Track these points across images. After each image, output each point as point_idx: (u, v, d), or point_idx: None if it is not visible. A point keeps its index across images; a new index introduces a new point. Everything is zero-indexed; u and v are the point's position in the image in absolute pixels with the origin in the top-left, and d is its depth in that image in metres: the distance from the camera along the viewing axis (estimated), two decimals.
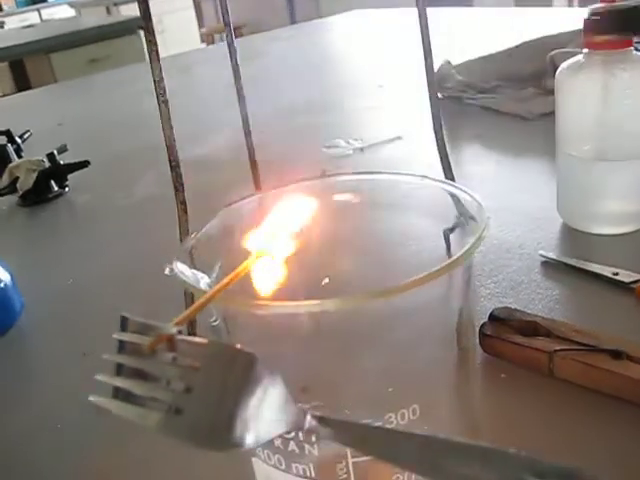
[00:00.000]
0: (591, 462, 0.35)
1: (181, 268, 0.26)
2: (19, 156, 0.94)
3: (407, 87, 1.04)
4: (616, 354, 0.38)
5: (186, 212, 0.46)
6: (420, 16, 0.48)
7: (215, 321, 0.28)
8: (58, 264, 0.68)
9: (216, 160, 0.88)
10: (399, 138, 0.84)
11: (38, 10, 5.34)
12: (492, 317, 0.43)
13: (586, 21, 0.51)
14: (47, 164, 0.83)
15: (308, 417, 0.21)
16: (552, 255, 0.52)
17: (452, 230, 0.29)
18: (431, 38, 0.49)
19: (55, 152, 0.84)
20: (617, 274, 0.48)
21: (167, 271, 0.27)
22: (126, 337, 0.23)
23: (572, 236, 0.55)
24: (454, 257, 0.23)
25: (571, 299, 0.48)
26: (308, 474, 0.26)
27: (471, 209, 0.29)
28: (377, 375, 0.30)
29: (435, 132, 0.46)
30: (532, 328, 0.42)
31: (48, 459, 0.41)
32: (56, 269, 0.67)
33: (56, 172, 0.83)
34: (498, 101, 0.89)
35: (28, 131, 1.04)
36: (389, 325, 0.27)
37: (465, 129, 0.86)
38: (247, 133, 0.63)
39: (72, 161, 0.85)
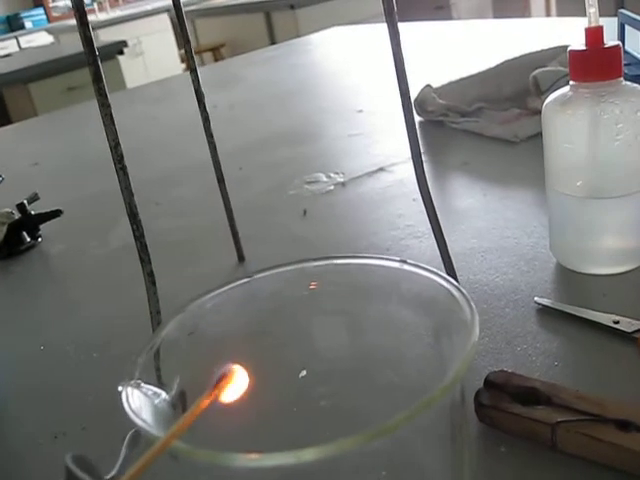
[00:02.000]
0: None
1: (132, 398, 0.23)
2: None
3: (387, 112, 1.02)
4: (623, 424, 0.35)
5: (154, 284, 0.43)
6: (394, 54, 0.45)
7: None
8: (30, 326, 0.64)
9: (193, 202, 0.85)
10: (381, 170, 0.81)
11: (16, 38, 5.30)
12: (488, 383, 0.40)
13: (572, 52, 0.49)
14: (17, 215, 0.80)
15: None
16: (548, 302, 0.49)
17: (437, 321, 0.26)
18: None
19: (25, 202, 0.80)
20: (618, 322, 0.45)
21: (120, 388, 0.24)
22: None
23: (568, 278, 0.52)
24: (445, 383, 0.20)
25: (571, 354, 0.45)
26: None
27: (457, 298, 0.26)
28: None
29: (426, 208, 0.44)
30: (531, 394, 0.39)
31: None
32: (27, 333, 0.63)
33: (27, 223, 0.80)
34: (482, 125, 0.86)
35: (0, 176, 1.01)
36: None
37: (449, 156, 0.83)
38: (220, 180, 0.61)
39: (44, 210, 0.82)
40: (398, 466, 0.25)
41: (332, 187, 0.79)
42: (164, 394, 0.25)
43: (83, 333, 0.60)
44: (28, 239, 0.80)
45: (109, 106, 0.39)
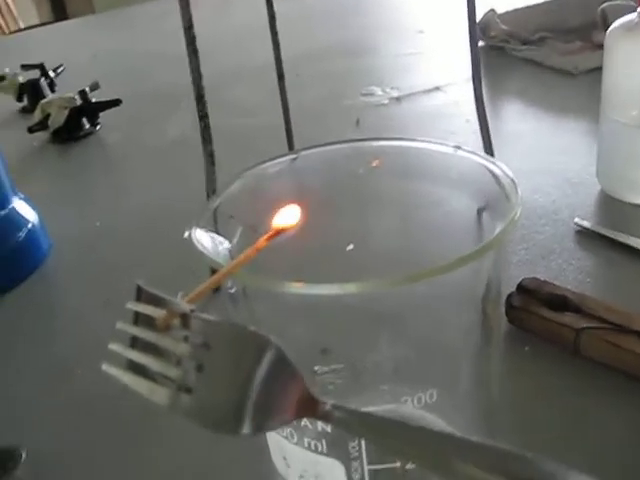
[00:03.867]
0: (611, 445, 0.34)
1: (199, 236, 0.25)
2: (52, 90, 0.94)
3: (448, 34, 1.01)
4: None
5: (213, 164, 0.45)
6: None
7: (232, 288, 0.27)
8: (86, 204, 0.68)
9: (250, 103, 0.87)
10: (437, 89, 0.81)
11: None
12: (520, 288, 0.42)
13: None
14: (79, 101, 0.82)
15: (322, 405, 0.20)
16: (587, 224, 0.50)
17: (484, 207, 0.28)
18: None
19: (87, 89, 0.83)
20: None
21: (186, 235, 0.27)
22: (140, 308, 0.22)
23: (609, 204, 0.53)
24: (484, 243, 0.22)
25: (604, 273, 0.46)
26: (320, 449, 0.26)
27: (505, 185, 0.27)
28: (398, 344, 0.29)
29: (477, 108, 0.44)
30: (561, 302, 0.40)
31: (65, 407, 0.42)
32: (84, 210, 0.66)
33: (88, 110, 0.83)
34: (543, 54, 0.86)
35: (61, 65, 1.03)
36: (413, 299, 0.26)
37: (507, 82, 0.83)
38: (280, 77, 0.62)
39: (104, 99, 0.84)
40: (429, 327, 0.27)
41: (386, 101, 0.80)
42: (227, 243, 0.27)
43: (137, 214, 0.63)
44: (87, 125, 0.83)
45: None
